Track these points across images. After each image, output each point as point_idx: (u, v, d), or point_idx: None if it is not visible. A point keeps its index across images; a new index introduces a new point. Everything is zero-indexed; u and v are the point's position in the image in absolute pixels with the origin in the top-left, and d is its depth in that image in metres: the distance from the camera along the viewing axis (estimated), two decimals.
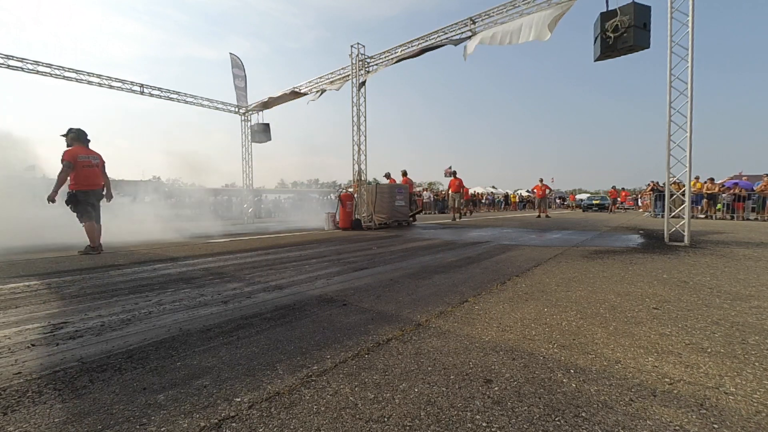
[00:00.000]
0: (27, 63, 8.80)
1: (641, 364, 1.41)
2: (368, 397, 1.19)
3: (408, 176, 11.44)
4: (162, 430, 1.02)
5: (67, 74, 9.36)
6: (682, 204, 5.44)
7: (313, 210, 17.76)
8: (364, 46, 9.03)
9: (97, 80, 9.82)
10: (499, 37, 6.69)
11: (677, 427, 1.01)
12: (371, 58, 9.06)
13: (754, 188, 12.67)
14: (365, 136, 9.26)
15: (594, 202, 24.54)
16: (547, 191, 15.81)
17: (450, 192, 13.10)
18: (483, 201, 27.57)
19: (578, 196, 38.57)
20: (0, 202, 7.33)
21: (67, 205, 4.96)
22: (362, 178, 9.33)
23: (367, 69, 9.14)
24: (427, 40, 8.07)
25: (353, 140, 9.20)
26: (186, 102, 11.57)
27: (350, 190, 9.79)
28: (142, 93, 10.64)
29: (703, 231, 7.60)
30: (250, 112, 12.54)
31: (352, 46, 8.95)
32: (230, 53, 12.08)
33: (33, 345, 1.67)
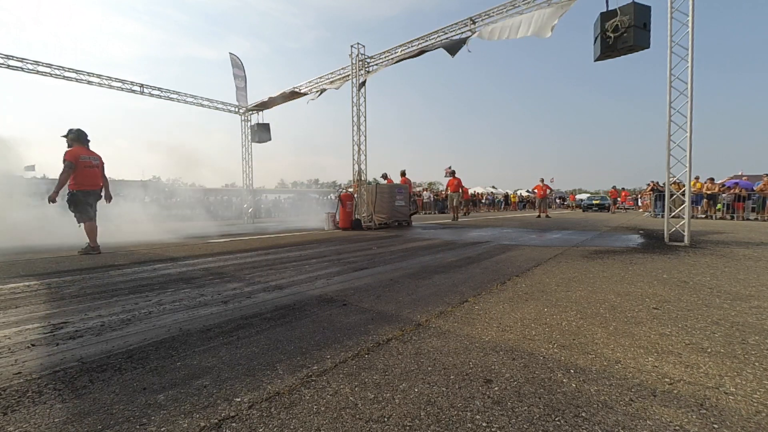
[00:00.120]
0: (27, 63, 8.80)
1: (641, 364, 1.41)
2: (368, 397, 1.19)
3: (406, 176, 11.44)
4: (162, 430, 1.02)
5: (67, 74, 9.37)
6: (682, 204, 5.44)
7: (313, 210, 17.76)
8: (364, 46, 9.03)
9: (97, 80, 9.82)
10: (497, 32, 6.69)
11: (677, 427, 1.01)
12: (371, 58, 9.06)
13: (754, 188, 12.68)
14: (365, 136, 9.26)
15: (594, 202, 24.55)
16: (548, 191, 15.81)
17: (449, 192, 13.09)
18: (483, 201, 27.57)
19: (578, 196, 38.59)
20: None
21: (68, 205, 4.98)
22: (362, 178, 9.33)
23: (367, 69, 9.14)
24: (427, 40, 8.08)
25: (353, 140, 9.20)
26: (186, 102, 11.57)
27: (350, 190, 9.79)
28: (142, 93, 10.64)
29: (703, 231, 7.61)
30: (250, 112, 12.54)
31: (352, 46, 8.95)
32: (230, 53, 12.08)
33: (33, 345, 1.67)
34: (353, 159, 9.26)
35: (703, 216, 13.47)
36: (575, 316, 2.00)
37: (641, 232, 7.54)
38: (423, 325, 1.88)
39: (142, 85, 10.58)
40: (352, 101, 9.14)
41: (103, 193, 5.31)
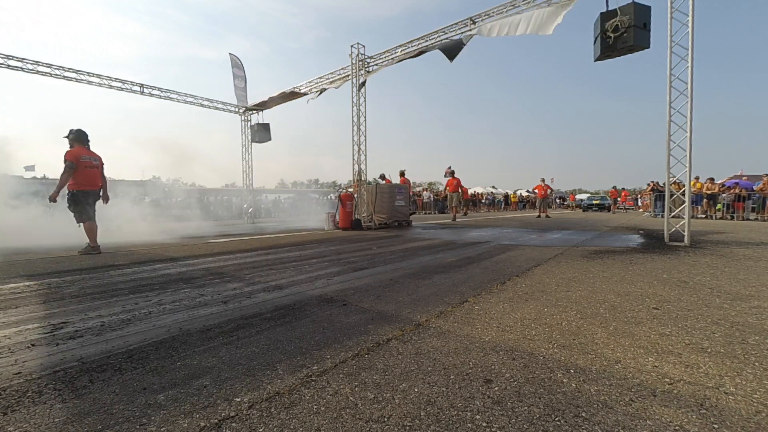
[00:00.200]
0: (27, 63, 8.80)
1: (641, 364, 1.41)
2: (368, 397, 1.19)
3: (405, 176, 11.43)
4: (162, 430, 1.02)
5: (67, 74, 9.36)
6: (682, 204, 5.44)
7: (313, 210, 17.76)
8: (364, 46, 9.03)
9: (97, 80, 9.82)
10: (497, 29, 6.68)
11: (677, 427, 1.01)
12: (371, 58, 9.06)
13: (754, 188, 12.68)
14: (365, 136, 9.26)
15: (594, 202, 24.54)
16: (549, 191, 15.81)
17: (448, 192, 13.07)
18: (483, 201, 27.57)
19: (578, 196, 38.59)
20: None
21: (68, 205, 4.99)
22: (362, 178, 9.33)
23: (367, 69, 9.14)
24: (427, 40, 8.08)
25: (353, 140, 9.20)
26: (186, 102, 11.57)
27: (350, 190, 9.79)
28: (142, 93, 10.64)
29: (703, 231, 7.61)
30: (250, 112, 12.55)
31: (352, 46, 8.95)
32: (230, 53, 12.09)
33: (33, 345, 1.66)
34: (353, 159, 9.26)
35: (703, 216, 13.47)
36: (575, 316, 2.00)
37: (641, 232, 7.54)
38: (423, 325, 1.88)
39: (142, 85, 10.58)
40: (352, 101, 9.14)
41: (101, 194, 5.32)
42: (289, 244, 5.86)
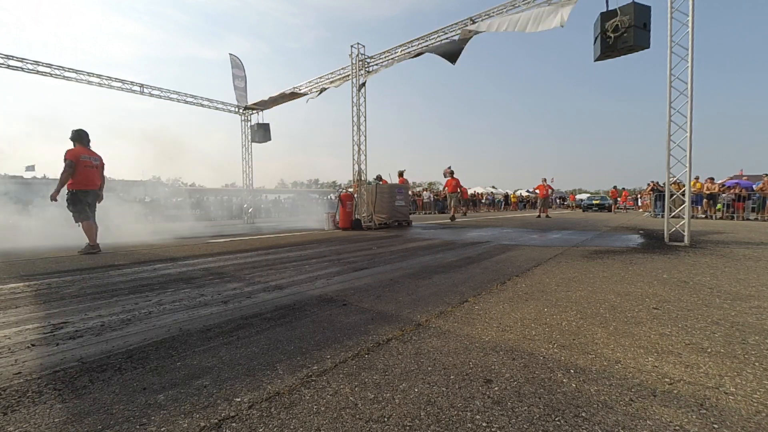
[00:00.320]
0: (27, 63, 8.80)
1: (641, 364, 1.41)
2: (368, 397, 1.19)
3: (404, 176, 11.43)
4: (162, 430, 1.02)
5: (67, 74, 9.37)
6: (682, 204, 5.44)
7: (313, 210, 17.76)
8: (364, 46, 9.03)
9: (97, 80, 9.82)
10: (495, 25, 6.65)
11: (677, 427, 1.01)
12: (371, 58, 9.06)
13: (754, 188, 12.68)
14: (365, 136, 9.26)
15: (594, 202, 24.54)
16: (550, 191, 15.82)
17: (446, 192, 13.05)
18: (483, 201, 27.57)
19: (578, 196, 38.59)
20: None
21: (67, 204, 5.00)
22: (362, 178, 9.33)
23: (367, 69, 9.14)
24: (426, 40, 8.08)
25: (353, 140, 9.20)
26: (186, 102, 11.57)
27: (350, 190, 9.79)
28: (142, 93, 10.64)
29: (703, 231, 7.60)
30: (250, 112, 12.55)
31: (352, 46, 8.95)
32: (230, 54, 12.10)
33: (33, 345, 1.67)
34: (353, 159, 9.26)
35: (703, 216, 13.47)
36: (575, 316, 2.00)
37: (641, 232, 7.54)
38: (423, 325, 1.88)
39: (142, 85, 10.58)
40: (352, 101, 9.14)
41: (101, 193, 5.34)
42: (289, 244, 5.86)
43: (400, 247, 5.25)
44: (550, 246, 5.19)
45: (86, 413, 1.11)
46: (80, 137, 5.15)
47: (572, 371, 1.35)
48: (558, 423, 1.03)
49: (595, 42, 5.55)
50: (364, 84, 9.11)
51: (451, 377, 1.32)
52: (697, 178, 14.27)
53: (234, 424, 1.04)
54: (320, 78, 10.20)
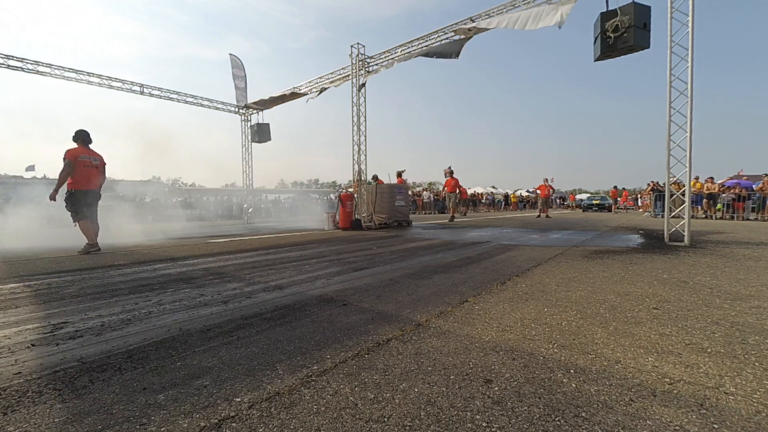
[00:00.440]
0: (27, 63, 8.80)
1: (641, 364, 1.41)
2: (368, 397, 1.19)
3: (403, 177, 11.42)
4: (162, 430, 1.02)
5: (67, 74, 9.37)
6: (682, 204, 5.44)
7: (313, 210, 17.76)
8: (364, 46, 9.03)
9: (97, 80, 9.83)
10: (495, 22, 6.64)
11: (677, 427, 1.01)
12: (371, 58, 9.06)
13: (754, 188, 12.68)
14: (365, 136, 9.26)
15: (594, 202, 24.53)
16: (551, 191, 15.82)
17: (445, 192, 13.00)
18: (483, 201, 27.57)
19: (578, 196, 38.59)
20: None
21: (65, 204, 5.01)
22: (362, 178, 9.33)
23: (367, 69, 9.14)
24: (427, 40, 8.08)
25: (353, 140, 9.20)
26: (186, 102, 11.57)
27: (350, 190, 9.79)
28: (142, 93, 10.64)
29: (703, 231, 7.61)
30: (250, 112, 12.55)
31: (352, 46, 8.95)
32: (230, 54, 12.10)
33: (33, 345, 1.67)
34: (353, 159, 9.26)
35: (703, 216, 13.47)
36: (575, 316, 2.00)
37: (641, 232, 7.54)
38: (423, 325, 1.88)
39: (142, 85, 10.58)
40: (352, 101, 9.14)
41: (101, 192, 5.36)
42: (289, 244, 5.86)
43: (400, 247, 5.25)
44: (550, 246, 5.19)
45: (86, 413, 1.11)
46: (81, 137, 5.16)
47: (572, 371, 1.35)
48: (558, 423, 1.03)
49: (595, 42, 5.55)
50: (364, 84, 9.11)
51: (451, 377, 1.32)
52: (697, 178, 14.27)
53: (234, 424, 1.04)
54: (320, 78, 10.20)
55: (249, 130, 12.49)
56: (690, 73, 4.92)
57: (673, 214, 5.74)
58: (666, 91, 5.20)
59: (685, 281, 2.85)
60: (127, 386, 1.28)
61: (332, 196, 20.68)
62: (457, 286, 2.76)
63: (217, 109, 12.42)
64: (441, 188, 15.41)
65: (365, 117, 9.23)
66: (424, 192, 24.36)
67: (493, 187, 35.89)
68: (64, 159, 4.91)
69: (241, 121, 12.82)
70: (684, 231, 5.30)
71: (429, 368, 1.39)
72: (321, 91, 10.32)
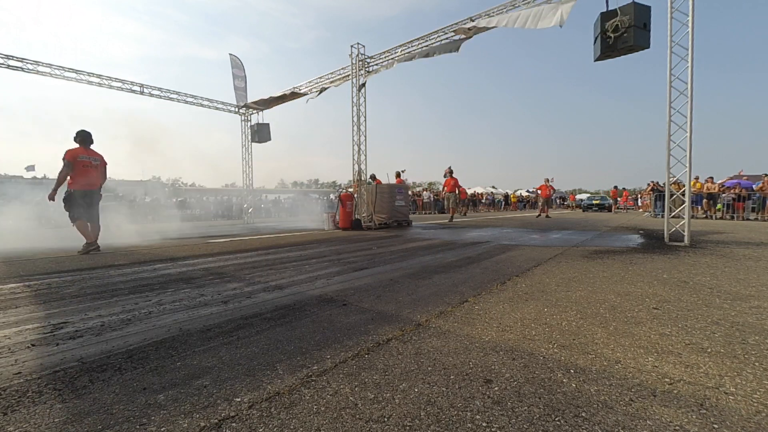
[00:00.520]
0: (27, 63, 8.80)
1: (641, 364, 1.41)
2: (368, 397, 1.19)
3: (401, 177, 11.42)
4: (162, 430, 1.02)
5: (67, 74, 9.37)
6: (682, 204, 5.44)
7: (313, 210, 17.76)
8: (364, 46, 9.03)
9: (97, 80, 9.83)
10: (495, 21, 6.65)
11: (677, 427, 1.01)
12: (371, 58, 9.06)
13: (754, 188, 12.68)
14: (365, 136, 9.27)
15: (594, 202, 24.53)
16: (552, 192, 15.82)
17: (445, 192, 12.91)
18: (483, 201, 27.57)
19: (578, 196, 38.58)
20: None
21: (63, 204, 5.02)
22: (362, 178, 9.34)
23: (367, 69, 9.14)
24: (427, 40, 8.08)
25: (353, 140, 9.20)
26: (186, 102, 11.57)
27: (350, 190, 9.79)
28: (142, 93, 10.64)
29: (703, 231, 7.61)
30: (250, 112, 12.55)
31: (352, 46, 8.95)
32: (230, 54, 12.10)
33: (33, 345, 1.66)
34: (353, 159, 9.26)
35: (703, 216, 13.47)
36: (575, 316, 2.00)
37: (641, 232, 7.54)
38: (423, 325, 1.88)
39: (142, 85, 10.58)
40: (352, 101, 9.14)
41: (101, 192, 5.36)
42: (289, 244, 5.86)
43: (400, 247, 5.25)
44: (550, 246, 5.19)
45: (86, 413, 1.11)
46: (81, 138, 5.17)
47: (572, 371, 1.35)
48: (558, 423, 1.03)
49: (595, 42, 5.55)
50: (364, 84, 9.11)
51: (451, 377, 1.32)
52: (697, 178, 14.27)
53: (234, 424, 1.04)
54: (320, 78, 10.20)
55: (249, 130, 12.49)
56: (690, 73, 4.92)
57: (673, 214, 5.74)
58: (666, 91, 5.20)
59: (685, 281, 2.85)
60: (127, 386, 1.28)
61: (332, 196, 20.68)
62: (457, 286, 2.76)
63: (217, 109, 12.43)
64: (441, 188, 15.36)
65: (365, 117, 9.23)
66: (424, 192, 24.36)
67: (493, 187, 35.88)
68: (63, 159, 4.93)
69: (241, 121, 12.82)
70: (684, 231, 5.30)
71: (429, 368, 1.39)
72: (321, 91, 10.32)
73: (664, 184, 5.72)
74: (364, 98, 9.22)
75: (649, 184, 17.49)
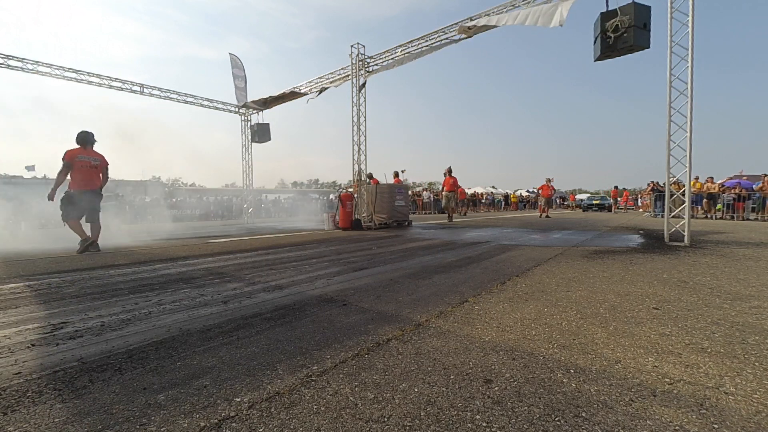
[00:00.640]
0: (27, 63, 8.81)
1: (641, 364, 1.41)
2: (368, 397, 1.19)
3: (399, 177, 11.41)
4: (162, 430, 1.02)
5: (67, 74, 9.37)
6: (682, 204, 5.44)
7: (313, 210, 17.76)
8: (364, 46, 9.04)
9: (97, 80, 9.83)
10: (495, 20, 6.66)
11: (677, 427, 1.01)
12: (371, 58, 9.07)
13: (754, 188, 12.68)
14: (365, 136, 9.27)
15: (594, 202, 24.54)
16: (552, 192, 15.82)
17: (444, 191, 12.65)
18: (483, 201, 27.58)
19: (578, 196, 38.59)
20: None
21: (60, 203, 5.04)
22: (362, 178, 9.34)
23: (367, 69, 9.14)
24: (427, 40, 8.08)
25: (353, 140, 9.20)
26: (186, 102, 11.57)
27: (350, 190, 9.79)
28: (142, 93, 10.64)
29: (703, 231, 7.61)
30: (250, 112, 12.55)
31: (352, 46, 8.95)
32: (230, 53, 12.09)
33: (33, 345, 1.66)
34: (353, 159, 9.26)
35: (703, 216, 13.47)
36: (575, 316, 2.00)
37: (641, 232, 7.54)
38: (423, 325, 1.88)
39: (142, 85, 10.58)
40: (352, 101, 9.14)
41: (101, 192, 5.37)
42: (289, 244, 5.86)
43: (400, 247, 5.25)
44: (550, 246, 5.19)
45: (86, 413, 1.11)
46: (82, 138, 5.18)
47: (572, 371, 1.35)
48: (558, 423, 1.03)
49: (595, 42, 5.55)
50: (364, 84, 9.11)
51: (451, 377, 1.32)
52: (697, 178, 14.27)
53: (234, 424, 1.04)
54: (320, 78, 10.20)
55: (249, 130, 12.49)
56: (690, 73, 4.92)
57: (673, 214, 5.74)
58: (666, 91, 5.20)
59: (685, 281, 2.85)
60: (127, 386, 1.28)
61: (332, 196, 20.69)
62: (457, 286, 2.76)
63: (217, 109, 12.43)
64: (441, 188, 15.33)
65: (365, 117, 9.23)
66: (424, 192, 24.36)
67: (493, 187, 35.88)
68: (62, 159, 4.95)
69: (241, 121, 12.82)
70: (684, 231, 5.30)
71: (429, 368, 1.39)
72: (321, 91, 10.32)
73: (664, 184, 5.72)
74: (364, 98, 9.22)
75: (649, 184, 17.50)
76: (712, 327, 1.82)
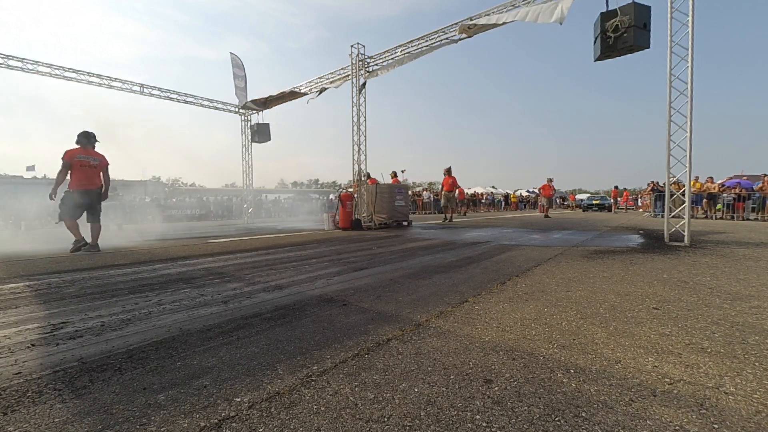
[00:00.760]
0: (27, 63, 8.81)
1: (641, 364, 1.41)
2: (368, 397, 1.19)
3: (398, 177, 11.40)
4: (162, 430, 1.02)
5: (67, 74, 9.37)
6: (682, 204, 5.44)
7: (313, 210, 17.76)
8: (364, 46, 9.04)
9: (97, 80, 9.83)
10: (494, 19, 6.67)
11: (677, 427, 1.01)
12: (371, 58, 9.06)
13: (754, 188, 12.68)
14: (365, 136, 9.27)
15: (594, 202, 24.55)
16: (553, 192, 15.83)
17: (443, 191, 12.40)
18: (483, 201, 27.58)
19: (578, 196, 38.59)
20: None
21: (59, 202, 5.05)
22: (362, 178, 9.34)
23: (367, 69, 9.14)
24: (427, 40, 8.08)
25: (353, 140, 9.20)
26: (186, 102, 11.58)
27: (350, 190, 9.79)
28: (142, 93, 10.64)
29: (703, 231, 7.61)
30: (250, 112, 12.55)
31: (352, 46, 8.95)
32: (230, 53, 12.09)
33: (33, 345, 1.66)
34: (353, 159, 9.27)
35: (703, 216, 13.47)
36: (575, 316, 2.00)
37: (641, 232, 7.54)
38: (423, 325, 1.88)
39: (142, 85, 10.58)
40: (352, 101, 9.14)
41: (102, 192, 5.37)
42: (289, 244, 5.86)
43: (400, 247, 5.25)
44: (550, 246, 5.19)
45: (86, 413, 1.11)
46: (83, 138, 5.19)
47: (572, 371, 1.35)
48: (558, 423, 1.03)
49: (595, 42, 5.55)
50: (364, 84, 9.11)
51: (451, 377, 1.32)
52: (697, 178, 14.28)
53: (234, 424, 1.04)
54: (320, 78, 10.20)
55: (249, 130, 12.49)
56: (690, 73, 4.92)
57: (673, 214, 5.74)
58: (666, 91, 5.20)
59: (685, 281, 2.85)
60: (127, 386, 1.28)
61: (332, 196, 20.69)
62: (457, 286, 2.76)
63: (217, 109, 12.43)
64: (440, 188, 15.33)
65: (365, 117, 9.23)
66: (424, 192, 24.36)
67: (493, 187, 35.89)
68: (61, 159, 4.97)
69: (241, 121, 12.82)
70: (684, 231, 5.30)
71: (429, 368, 1.39)
72: (321, 92, 10.32)
73: (664, 184, 5.72)
74: (364, 98, 9.22)
75: (649, 184, 17.50)
76: (712, 327, 1.82)
